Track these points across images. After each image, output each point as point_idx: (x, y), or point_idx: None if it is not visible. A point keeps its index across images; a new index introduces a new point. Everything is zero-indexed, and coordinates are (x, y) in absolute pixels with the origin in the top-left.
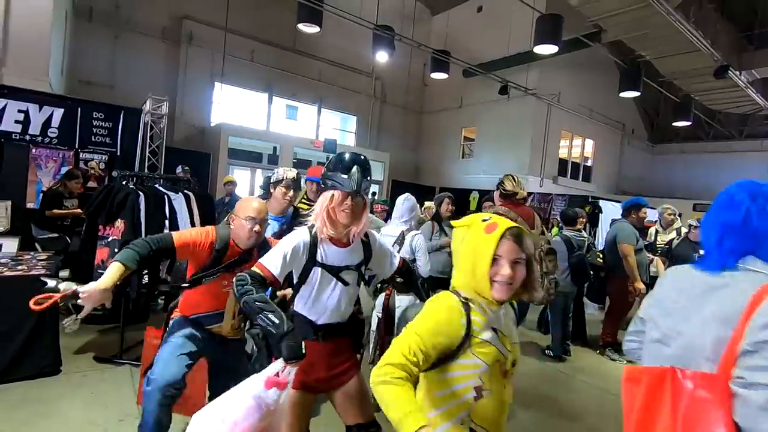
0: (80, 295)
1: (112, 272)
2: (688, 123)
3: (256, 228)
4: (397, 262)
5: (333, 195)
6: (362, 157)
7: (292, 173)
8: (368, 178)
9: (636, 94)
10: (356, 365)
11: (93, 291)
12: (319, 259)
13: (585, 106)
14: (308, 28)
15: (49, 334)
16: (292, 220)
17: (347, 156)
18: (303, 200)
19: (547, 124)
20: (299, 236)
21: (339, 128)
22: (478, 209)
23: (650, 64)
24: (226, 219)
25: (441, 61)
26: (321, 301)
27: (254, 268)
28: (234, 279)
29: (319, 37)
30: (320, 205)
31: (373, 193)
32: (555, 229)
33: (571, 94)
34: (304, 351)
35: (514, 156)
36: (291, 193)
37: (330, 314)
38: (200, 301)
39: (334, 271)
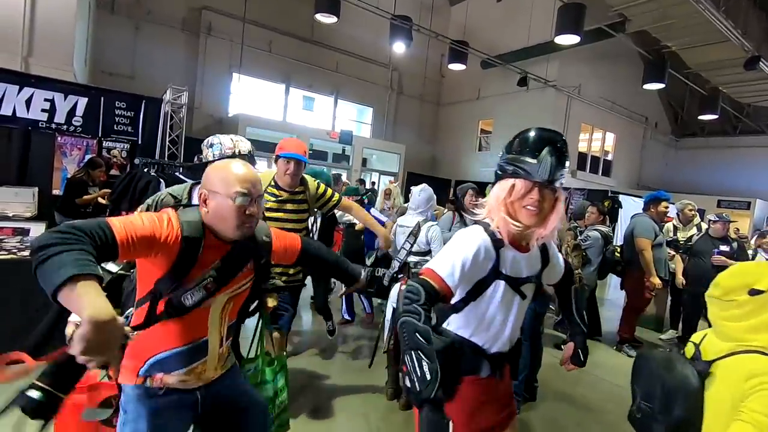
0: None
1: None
2: (715, 116)
3: (252, 209)
4: (563, 265)
5: (514, 185)
6: (557, 136)
7: (245, 145)
8: (565, 163)
9: (660, 86)
10: (513, 399)
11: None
12: (501, 268)
13: (606, 98)
14: (326, 18)
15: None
16: None
17: (534, 133)
18: (272, 186)
19: (567, 116)
20: (476, 237)
21: (355, 119)
22: None
23: (676, 55)
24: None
25: (459, 51)
26: (496, 323)
27: (424, 277)
28: (403, 288)
29: (337, 28)
30: (495, 197)
31: (338, 175)
32: None
33: (592, 86)
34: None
35: None
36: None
37: (504, 339)
38: (164, 334)
39: (517, 284)
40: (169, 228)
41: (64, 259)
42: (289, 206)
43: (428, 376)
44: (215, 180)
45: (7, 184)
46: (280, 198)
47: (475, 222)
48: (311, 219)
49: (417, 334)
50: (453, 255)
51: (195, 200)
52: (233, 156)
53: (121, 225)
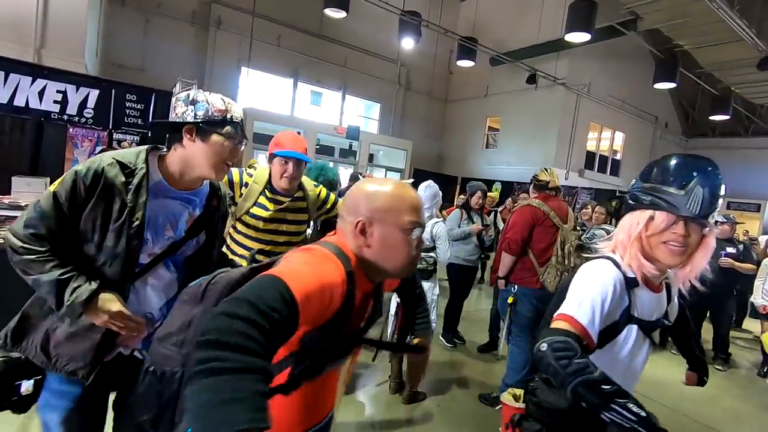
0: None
1: None
2: (727, 117)
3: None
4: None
5: (652, 217)
6: (709, 164)
7: (238, 110)
8: (720, 195)
9: (672, 85)
10: None
11: None
12: (633, 311)
13: (616, 97)
14: (335, 13)
15: None
16: (208, 201)
17: (680, 160)
18: (267, 189)
19: (576, 115)
20: (609, 275)
21: (363, 115)
22: (501, 201)
23: (688, 54)
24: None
25: (468, 48)
26: (625, 373)
27: (561, 324)
28: (545, 344)
29: (346, 23)
30: (627, 230)
31: (357, 174)
32: None
33: (602, 84)
34: None
35: (539, 147)
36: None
37: (631, 391)
38: (300, 410)
39: (649, 329)
40: (337, 270)
41: (241, 391)
42: (289, 216)
43: (642, 413)
44: (381, 205)
45: (19, 174)
46: (279, 206)
47: (601, 256)
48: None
49: (602, 386)
50: (590, 297)
51: (156, 172)
52: (224, 122)
53: (294, 281)
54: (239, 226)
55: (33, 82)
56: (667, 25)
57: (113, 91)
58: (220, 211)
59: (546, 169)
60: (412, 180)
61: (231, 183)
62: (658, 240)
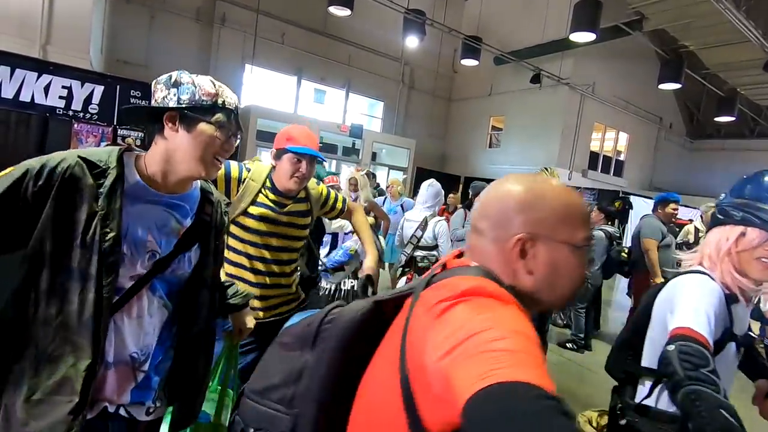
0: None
1: None
2: (732, 118)
3: None
4: None
5: (744, 233)
6: None
7: (232, 96)
8: None
9: (677, 86)
10: None
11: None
12: (734, 328)
13: (620, 97)
14: (339, 11)
15: None
16: (199, 209)
17: None
18: (267, 189)
19: (580, 115)
20: (714, 289)
21: (366, 113)
22: None
23: (694, 54)
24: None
25: (472, 47)
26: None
27: (693, 339)
28: (672, 345)
29: (350, 21)
30: (716, 245)
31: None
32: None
33: (606, 84)
34: None
35: (542, 147)
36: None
37: None
38: None
39: (742, 346)
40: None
41: None
42: (290, 219)
43: None
44: (548, 215)
45: None
46: (283, 208)
47: (692, 270)
48: None
49: (722, 410)
50: (704, 310)
51: (133, 172)
52: (214, 108)
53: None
54: (232, 229)
55: (38, 77)
56: (673, 25)
57: (118, 87)
58: (214, 221)
59: (546, 169)
60: (363, 171)
61: (228, 178)
62: (751, 256)
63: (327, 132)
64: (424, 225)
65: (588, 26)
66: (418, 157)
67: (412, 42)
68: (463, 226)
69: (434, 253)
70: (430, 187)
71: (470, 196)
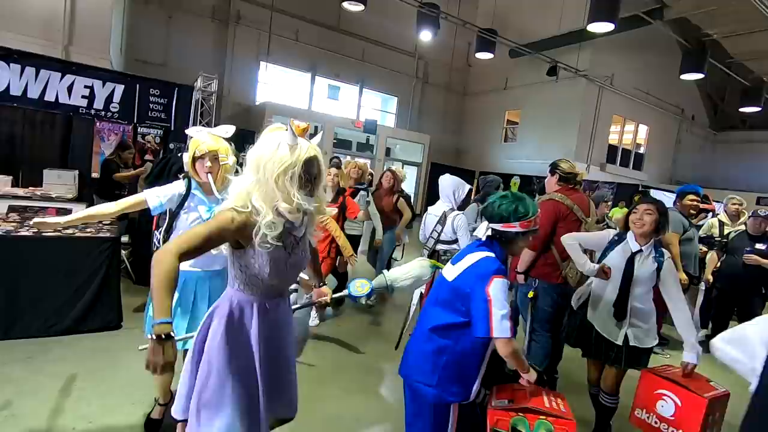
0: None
1: None
2: (758, 109)
3: None
4: None
5: None
6: None
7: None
8: None
9: (699, 76)
10: None
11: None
12: None
13: (640, 89)
14: (353, 6)
15: (112, 293)
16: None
17: None
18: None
19: (598, 107)
20: None
21: (380, 109)
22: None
23: (717, 43)
24: None
25: (487, 40)
26: None
27: None
28: None
29: (363, 16)
30: None
31: (335, 158)
32: (616, 209)
33: (625, 76)
34: None
35: (559, 141)
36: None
37: None
38: None
39: None
40: None
41: None
42: None
43: None
44: None
45: (50, 167)
46: None
47: None
48: None
49: None
50: None
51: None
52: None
53: None
54: None
55: (62, 77)
56: (696, 13)
57: (137, 86)
58: None
59: (567, 160)
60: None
61: None
62: None
63: (341, 128)
64: (443, 219)
65: (607, 16)
66: (433, 152)
67: (425, 36)
68: (476, 221)
69: (455, 246)
70: (444, 181)
71: (480, 190)
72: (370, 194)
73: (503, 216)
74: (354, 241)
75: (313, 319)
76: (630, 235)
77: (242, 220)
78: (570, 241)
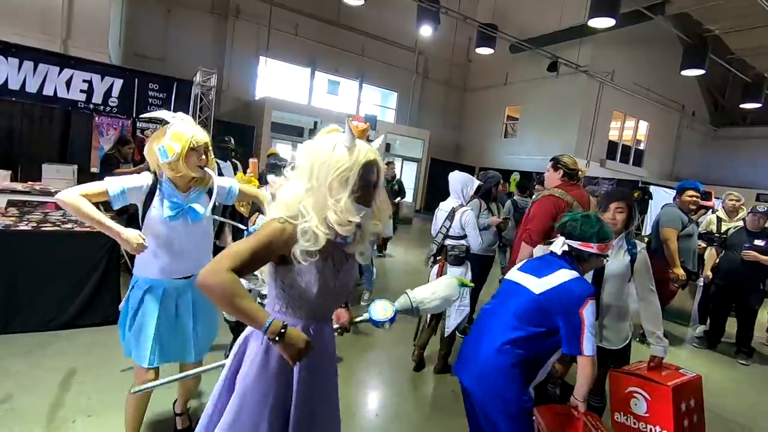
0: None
1: None
2: (758, 105)
3: None
4: None
5: None
6: None
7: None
8: None
9: (700, 72)
10: None
11: None
12: None
13: (641, 85)
14: (352, 1)
15: (112, 287)
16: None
17: None
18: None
19: (598, 103)
20: None
21: (380, 104)
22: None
23: (718, 39)
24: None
25: (487, 35)
26: None
27: None
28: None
29: (363, 11)
30: None
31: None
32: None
33: (626, 71)
34: None
35: (559, 137)
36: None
37: None
38: None
39: None
40: None
41: None
42: None
43: None
44: None
45: (49, 161)
46: None
47: None
48: None
49: None
50: None
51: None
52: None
53: None
54: None
55: (60, 71)
56: (697, 8)
57: (136, 80)
58: None
59: (569, 156)
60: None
61: None
62: None
63: (341, 123)
64: (451, 215)
65: (607, 11)
66: (433, 148)
67: (426, 31)
68: (478, 217)
69: (463, 242)
70: (453, 177)
71: (491, 186)
72: None
73: (584, 235)
74: None
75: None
76: None
77: (293, 232)
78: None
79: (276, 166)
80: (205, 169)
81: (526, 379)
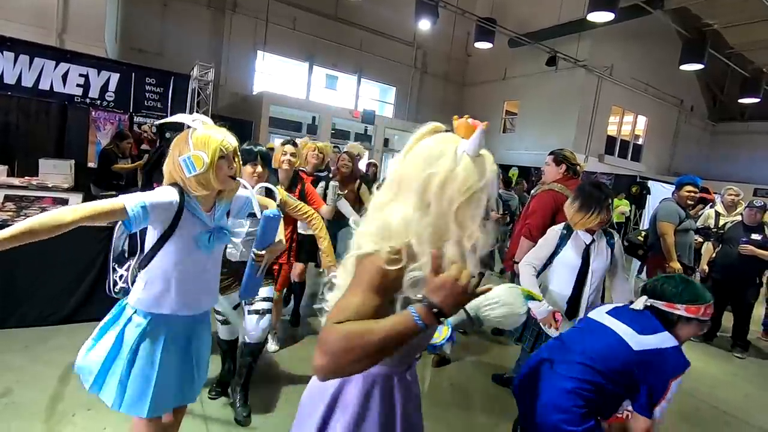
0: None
1: None
2: (757, 100)
3: None
4: None
5: None
6: None
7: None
8: None
9: (699, 66)
10: None
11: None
12: None
13: (639, 79)
14: None
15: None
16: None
17: None
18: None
19: (597, 98)
20: None
21: (378, 99)
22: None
23: (717, 33)
24: None
25: (486, 29)
26: None
27: None
28: None
29: (361, 5)
30: None
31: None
32: (615, 200)
33: (624, 66)
34: None
35: (558, 131)
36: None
37: None
38: None
39: None
40: None
41: None
42: None
43: None
44: None
45: (45, 156)
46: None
47: None
48: None
49: None
50: None
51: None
52: None
53: None
54: None
55: (56, 65)
56: (696, 3)
57: (133, 74)
58: None
59: (568, 150)
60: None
61: None
62: None
63: (339, 118)
64: None
65: (606, 5)
66: None
67: (424, 25)
68: None
69: None
70: None
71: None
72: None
73: (665, 295)
74: (311, 244)
75: (272, 344)
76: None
77: (398, 274)
78: (525, 269)
79: (251, 153)
80: (238, 179)
81: (589, 416)
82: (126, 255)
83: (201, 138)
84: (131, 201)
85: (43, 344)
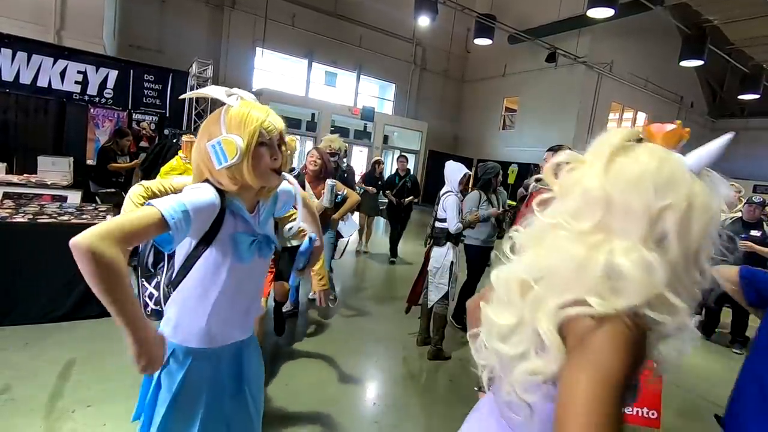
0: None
1: None
2: (757, 96)
3: None
4: None
5: None
6: None
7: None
8: None
9: (699, 63)
10: None
11: None
12: None
13: (639, 76)
14: None
15: None
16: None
17: None
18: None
19: (596, 95)
20: None
21: (377, 96)
22: (518, 183)
23: (717, 29)
24: None
25: (486, 26)
26: None
27: None
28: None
29: (361, 1)
30: None
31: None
32: None
33: (624, 62)
34: None
35: (557, 128)
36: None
37: None
38: None
39: None
40: None
41: None
42: None
43: None
44: None
45: (44, 153)
46: None
47: None
48: None
49: None
50: None
51: None
52: None
53: None
54: None
55: (54, 62)
56: None
57: (132, 71)
58: None
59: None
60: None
61: None
62: None
63: (339, 115)
64: (439, 200)
65: (606, 1)
66: (431, 140)
67: (424, 22)
68: (477, 208)
69: (443, 224)
70: (446, 166)
71: (480, 177)
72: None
73: None
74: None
75: None
76: None
77: (642, 333)
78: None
79: None
80: (284, 174)
81: None
82: (151, 267)
83: (236, 116)
84: (167, 205)
85: (42, 341)
